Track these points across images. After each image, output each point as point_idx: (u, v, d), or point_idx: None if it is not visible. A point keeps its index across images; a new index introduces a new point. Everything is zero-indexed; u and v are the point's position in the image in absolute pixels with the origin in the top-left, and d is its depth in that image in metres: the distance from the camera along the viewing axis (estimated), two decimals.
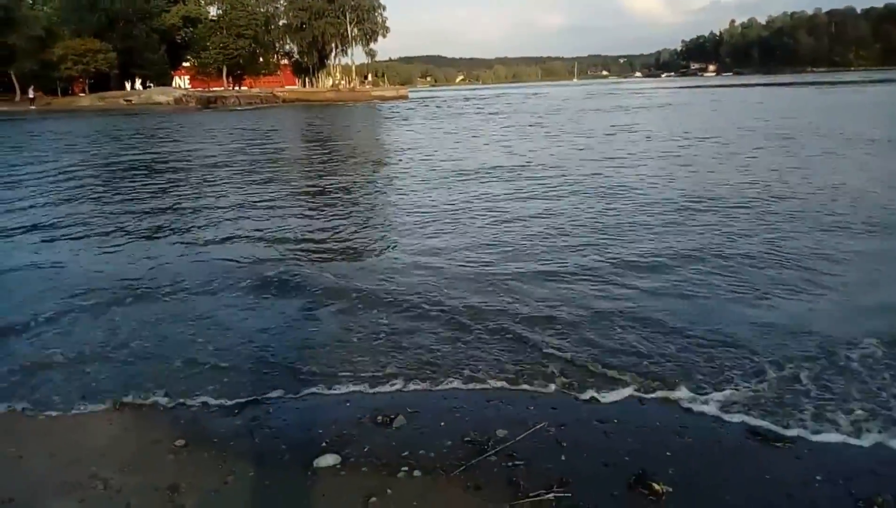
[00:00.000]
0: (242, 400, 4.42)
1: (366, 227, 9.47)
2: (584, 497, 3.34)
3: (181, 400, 4.44)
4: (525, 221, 9.31)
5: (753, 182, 11.64)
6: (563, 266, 7.07)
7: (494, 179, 12.92)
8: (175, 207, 11.26)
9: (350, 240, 8.67)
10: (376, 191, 12.49)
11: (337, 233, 9.07)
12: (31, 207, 11.65)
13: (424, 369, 4.75)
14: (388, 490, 3.45)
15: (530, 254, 7.62)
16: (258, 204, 11.24)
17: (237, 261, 7.67)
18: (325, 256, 7.92)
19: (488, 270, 7.03)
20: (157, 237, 9.15)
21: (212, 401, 4.43)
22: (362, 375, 4.68)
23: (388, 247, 8.19)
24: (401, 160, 16.30)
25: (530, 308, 5.81)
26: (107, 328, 5.68)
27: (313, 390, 4.52)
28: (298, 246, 8.33)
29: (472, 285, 6.51)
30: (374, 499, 3.37)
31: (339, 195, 11.88)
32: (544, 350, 4.93)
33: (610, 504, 3.29)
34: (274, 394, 4.48)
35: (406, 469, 3.65)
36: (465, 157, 16.34)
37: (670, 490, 3.36)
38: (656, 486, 3.38)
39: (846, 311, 5.61)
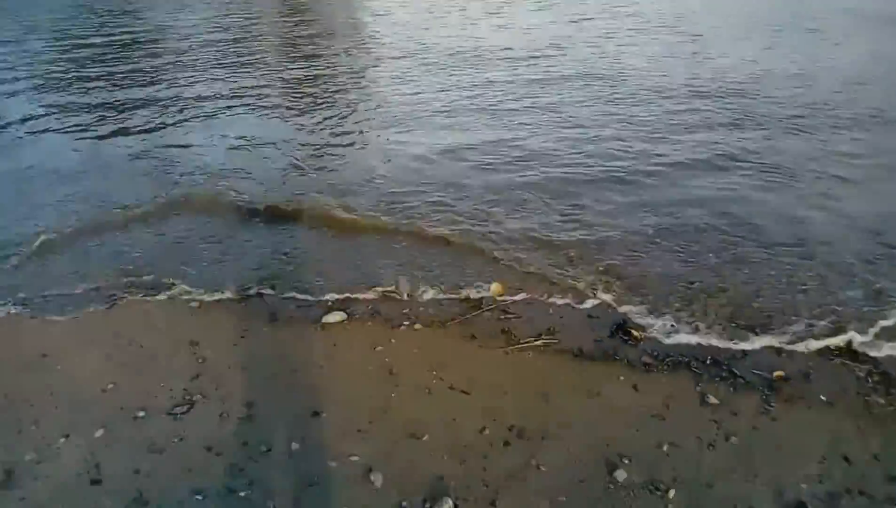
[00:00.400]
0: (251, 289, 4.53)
1: (360, 121, 8.43)
2: (570, 342, 3.71)
3: (190, 292, 4.42)
4: (532, 113, 8.45)
5: (767, 68, 10.53)
6: (574, 171, 6.41)
7: (493, 61, 11.76)
8: (152, 99, 9.95)
9: (347, 142, 7.62)
10: (367, 79, 11.16)
11: (331, 132, 7.99)
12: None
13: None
14: (392, 340, 3.79)
15: (539, 154, 6.85)
16: (242, 95, 9.97)
17: (228, 174, 6.64)
18: (321, 164, 6.93)
19: (498, 176, 6.33)
20: (138, 138, 8.03)
21: (220, 293, 4.42)
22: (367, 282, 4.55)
23: (389, 152, 7.18)
24: (391, 38, 15.49)
25: (551, 218, 5.38)
26: (111, 245, 5.23)
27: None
28: (291, 153, 7.29)
29: (481, 198, 5.81)
30: (379, 348, 3.71)
31: (327, 84, 10.63)
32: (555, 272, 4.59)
33: (592, 347, 3.67)
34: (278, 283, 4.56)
35: (407, 323, 3.98)
36: (458, 34, 15.45)
37: (646, 334, 3.72)
38: (635, 332, 3.74)
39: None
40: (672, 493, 2.69)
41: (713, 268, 4.58)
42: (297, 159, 7.07)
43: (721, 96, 8.87)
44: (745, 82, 9.59)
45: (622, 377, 3.43)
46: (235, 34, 15.84)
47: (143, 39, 15.71)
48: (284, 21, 18.54)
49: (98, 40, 15.56)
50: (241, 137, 7.82)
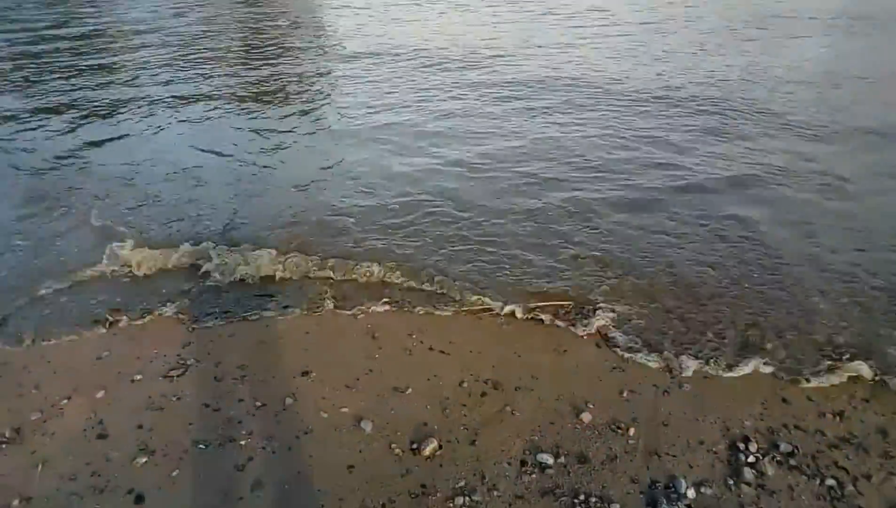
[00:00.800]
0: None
1: (321, 136, 7.64)
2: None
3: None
4: (511, 123, 7.76)
5: (732, 72, 10.15)
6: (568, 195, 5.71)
7: (460, 66, 10.89)
8: (103, 102, 9.06)
9: (309, 168, 6.51)
10: (330, 85, 10.03)
11: (293, 155, 7.01)
12: None
13: None
14: (372, 309, 4.04)
15: (505, 187, 5.91)
16: (195, 100, 9.12)
17: (179, 209, 5.60)
18: (287, 192, 5.94)
19: (472, 213, 5.38)
20: (85, 155, 7.06)
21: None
22: None
23: (357, 174, 6.29)
24: (354, 35, 15.26)
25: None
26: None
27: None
28: (254, 177, 6.33)
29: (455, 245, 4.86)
30: (361, 316, 3.96)
31: (286, 91, 9.63)
32: None
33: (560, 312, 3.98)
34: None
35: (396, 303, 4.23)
36: (423, 29, 15.47)
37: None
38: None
39: None
40: (632, 431, 3.01)
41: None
42: (260, 185, 6.11)
43: (702, 104, 8.43)
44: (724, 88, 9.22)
45: (586, 337, 3.75)
46: (195, 31, 15.62)
47: (97, 34, 15.41)
48: (241, 16, 18.30)
49: (56, 33, 15.24)
50: (189, 166, 6.63)
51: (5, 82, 10.40)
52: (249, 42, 14.14)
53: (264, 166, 6.62)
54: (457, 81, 9.90)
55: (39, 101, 9.25)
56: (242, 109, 8.82)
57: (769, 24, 15.01)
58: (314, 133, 7.76)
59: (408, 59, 11.57)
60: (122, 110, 8.73)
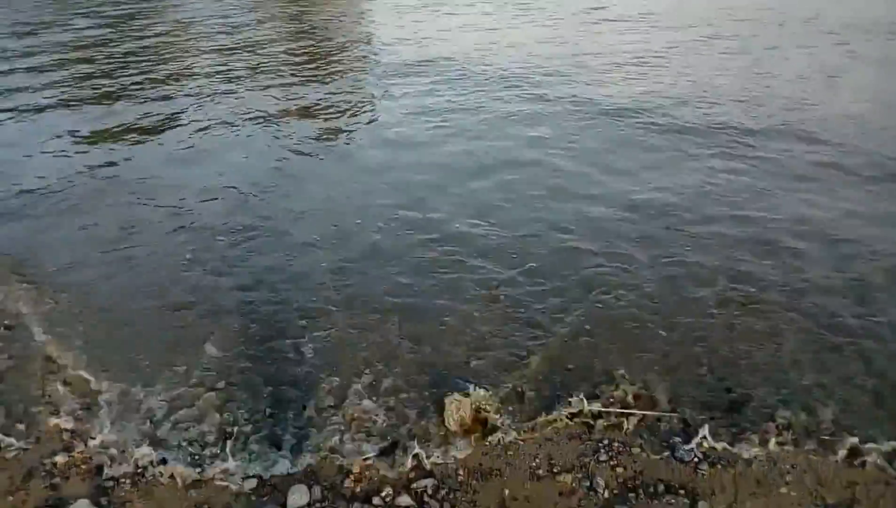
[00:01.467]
0: None
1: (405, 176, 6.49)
2: None
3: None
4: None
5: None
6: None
7: (537, 81, 9.56)
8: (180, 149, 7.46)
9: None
10: (392, 111, 8.63)
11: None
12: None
13: None
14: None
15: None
16: (251, 123, 8.05)
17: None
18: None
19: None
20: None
21: None
22: None
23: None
24: (409, 46, 12.61)
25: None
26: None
27: None
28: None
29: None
30: None
31: (349, 116, 8.46)
32: None
33: None
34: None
35: None
36: (488, 46, 12.31)
37: None
38: None
39: None
40: None
41: None
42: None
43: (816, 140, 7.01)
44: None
45: None
46: (245, 39, 14.69)
47: (152, 49, 14.72)
48: (286, 36, 17.13)
49: (106, 51, 14.40)
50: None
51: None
52: (302, 53, 12.64)
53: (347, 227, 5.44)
54: (540, 104, 8.53)
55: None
56: (300, 137, 7.66)
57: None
58: (393, 178, 6.45)
59: (471, 71, 10.35)
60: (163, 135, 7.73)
